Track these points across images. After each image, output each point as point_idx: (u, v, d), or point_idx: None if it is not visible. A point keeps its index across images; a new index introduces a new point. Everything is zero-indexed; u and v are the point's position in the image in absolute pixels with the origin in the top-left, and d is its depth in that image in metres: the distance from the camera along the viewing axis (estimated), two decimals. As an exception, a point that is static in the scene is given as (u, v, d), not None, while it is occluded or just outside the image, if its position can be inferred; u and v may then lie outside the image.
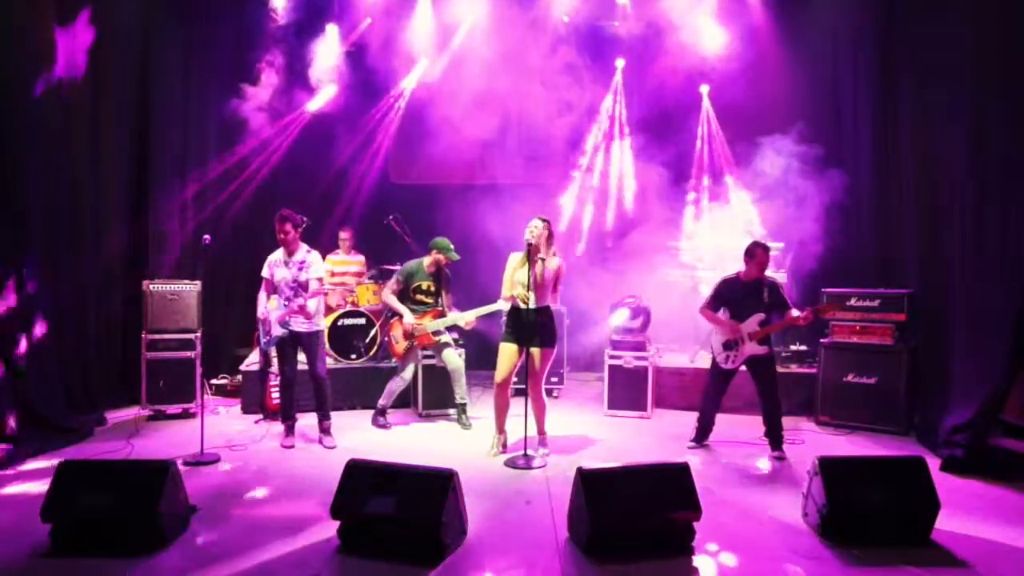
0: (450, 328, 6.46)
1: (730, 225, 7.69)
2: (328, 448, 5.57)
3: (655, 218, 8.27)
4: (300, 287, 5.53)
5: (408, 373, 6.33)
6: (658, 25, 8.20)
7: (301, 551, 3.69)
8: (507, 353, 5.30)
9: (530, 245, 5.11)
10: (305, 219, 5.75)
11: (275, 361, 5.77)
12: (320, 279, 5.61)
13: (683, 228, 8.15)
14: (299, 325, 5.53)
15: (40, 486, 3.76)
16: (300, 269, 5.55)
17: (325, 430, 5.71)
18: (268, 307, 5.55)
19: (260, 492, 4.58)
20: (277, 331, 5.50)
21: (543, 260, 5.17)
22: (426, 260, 6.30)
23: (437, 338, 6.26)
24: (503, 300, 5.44)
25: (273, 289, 5.59)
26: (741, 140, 7.69)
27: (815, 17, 7.66)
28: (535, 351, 5.22)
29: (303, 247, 5.62)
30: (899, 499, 3.83)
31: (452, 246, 6.27)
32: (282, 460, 5.27)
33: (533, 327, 5.18)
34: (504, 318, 5.54)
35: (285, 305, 5.49)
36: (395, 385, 6.32)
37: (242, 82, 7.78)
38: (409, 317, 6.15)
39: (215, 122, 7.94)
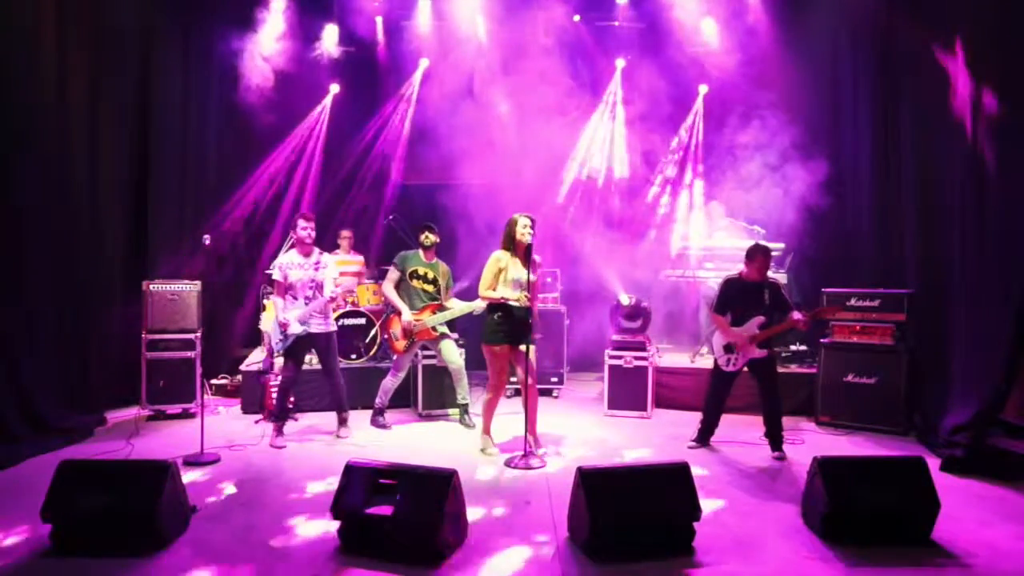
0: (451, 327, 6.46)
1: (729, 225, 7.70)
2: (342, 438, 5.79)
3: (656, 218, 8.29)
4: (318, 287, 5.68)
5: (403, 371, 6.33)
6: (659, 25, 8.22)
7: (301, 551, 3.69)
8: (503, 356, 5.28)
9: (529, 245, 5.14)
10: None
11: (277, 363, 5.80)
12: (334, 280, 5.79)
13: (683, 228, 8.15)
14: (317, 326, 5.66)
15: (40, 486, 3.75)
16: (316, 269, 5.71)
17: (343, 421, 5.93)
18: (286, 313, 5.60)
19: (260, 492, 4.58)
20: (296, 330, 5.57)
21: (536, 258, 5.21)
22: (422, 249, 6.31)
23: (436, 332, 6.25)
24: (502, 299, 5.41)
25: (285, 291, 5.65)
26: (740, 140, 7.69)
27: (815, 17, 7.66)
28: (531, 348, 5.24)
29: (315, 247, 5.78)
30: (899, 499, 3.83)
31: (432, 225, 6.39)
32: (281, 460, 5.27)
33: (527, 325, 5.21)
34: (493, 319, 5.27)
35: (306, 304, 5.63)
36: (390, 383, 6.32)
37: (243, 82, 7.78)
38: (408, 314, 6.13)
39: (215, 121, 7.96)
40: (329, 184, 8.84)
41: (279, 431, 5.70)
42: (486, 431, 5.49)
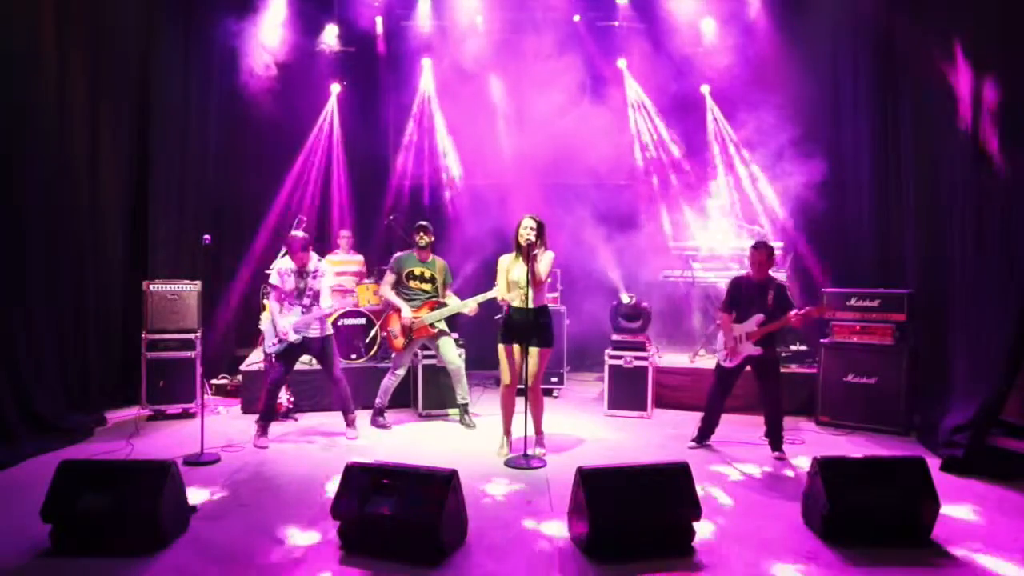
0: (451, 327, 6.45)
1: (730, 225, 7.71)
2: (350, 440, 5.78)
3: (657, 218, 8.29)
4: (316, 295, 5.67)
5: (402, 369, 6.33)
6: (659, 25, 8.24)
7: (301, 551, 3.69)
8: (507, 354, 5.32)
9: (529, 244, 5.14)
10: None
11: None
12: (332, 289, 5.82)
13: (684, 229, 8.15)
14: (312, 331, 5.67)
15: (40, 486, 3.75)
16: (315, 278, 5.69)
17: (350, 423, 5.91)
18: (283, 321, 5.59)
19: (260, 492, 4.58)
20: (293, 338, 5.58)
21: (537, 258, 5.19)
22: (417, 250, 6.31)
23: (434, 329, 6.25)
24: (499, 299, 5.50)
25: (283, 298, 5.64)
26: (740, 140, 7.69)
27: (815, 17, 7.67)
28: (533, 351, 5.23)
29: (312, 256, 5.75)
30: (899, 499, 3.82)
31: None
32: (282, 460, 5.27)
33: (532, 327, 5.20)
34: (501, 319, 5.52)
35: (303, 313, 5.62)
36: (389, 382, 6.31)
37: (243, 77, 7.77)
38: (407, 311, 6.13)
39: (216, 121, 7.94)
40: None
41: (264, 431, 5.67)
42: (504, 431, 5.46)
